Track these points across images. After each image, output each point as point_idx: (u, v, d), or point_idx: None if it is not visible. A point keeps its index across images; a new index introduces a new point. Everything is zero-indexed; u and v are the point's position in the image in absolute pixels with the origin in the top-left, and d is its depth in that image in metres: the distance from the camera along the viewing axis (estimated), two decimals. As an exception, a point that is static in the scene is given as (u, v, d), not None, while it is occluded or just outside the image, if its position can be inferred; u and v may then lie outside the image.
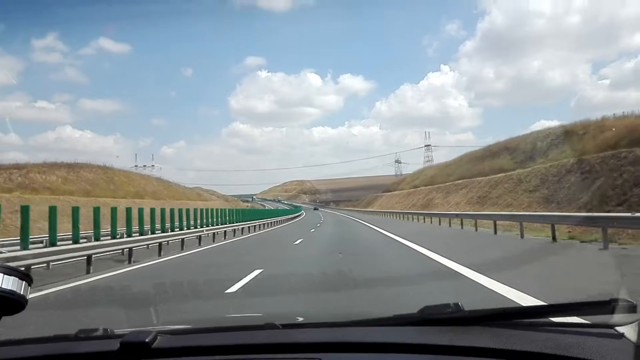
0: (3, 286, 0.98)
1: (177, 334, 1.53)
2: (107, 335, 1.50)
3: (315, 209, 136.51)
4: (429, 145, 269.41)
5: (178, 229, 19.65)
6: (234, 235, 25.63)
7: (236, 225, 27.82)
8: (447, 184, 47.53)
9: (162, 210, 20.00)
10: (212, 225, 23.82)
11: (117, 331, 1.54)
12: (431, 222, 29.95)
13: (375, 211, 63.61)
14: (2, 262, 1.51)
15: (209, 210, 25.10)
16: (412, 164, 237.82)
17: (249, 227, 30.59)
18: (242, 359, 1.34)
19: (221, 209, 28.98)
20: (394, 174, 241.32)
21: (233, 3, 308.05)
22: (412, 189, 64.92)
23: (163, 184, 70.89)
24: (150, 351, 1.32)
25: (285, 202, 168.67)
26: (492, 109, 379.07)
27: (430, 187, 53.91)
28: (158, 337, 1.36)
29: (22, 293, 1.01)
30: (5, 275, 0.99)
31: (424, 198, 50.77)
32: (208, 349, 1.38)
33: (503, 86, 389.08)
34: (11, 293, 0.99)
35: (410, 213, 40.86)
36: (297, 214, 68.14)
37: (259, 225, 34.33)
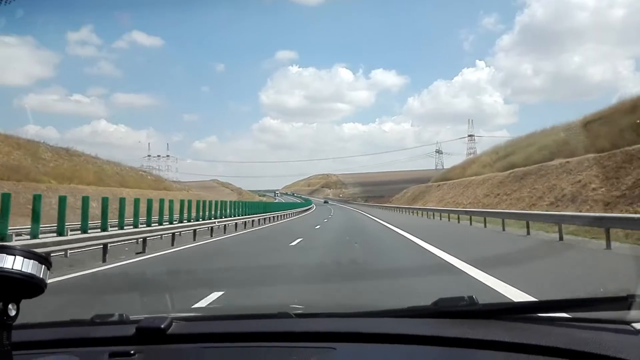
0: (23, 269, 0.97)
1: (192, 321, 1.56)
2: (123, 321, 1.51)
3: (325, 202, 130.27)
4: (472, 136, 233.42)
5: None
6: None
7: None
8: None
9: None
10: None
11: (133, 317, 1.53)
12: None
13: (434, 209, 32.59)
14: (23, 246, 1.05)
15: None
16: (454, 155, 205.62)
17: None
18: (256, 346, 1.33)
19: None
20: (433, 167, 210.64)
21: None
22: (509, 170, 33.02)
23: (83, 162, 41.86)
24: (166, 337, 1.32)
25: (298, 196, 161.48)
26: (529, 106, 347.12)
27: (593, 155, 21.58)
28: (173, 323, 1.36)
29: (41, 277, 1.00)
30: (25, 259, 0.98)
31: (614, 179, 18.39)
32: (222, 335, 1.40)
33: (541, 82, 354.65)
34: (30, 276, 0.98)
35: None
36: (302, 209, 59.97)
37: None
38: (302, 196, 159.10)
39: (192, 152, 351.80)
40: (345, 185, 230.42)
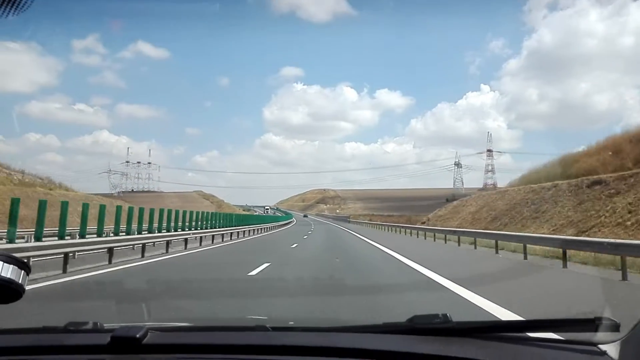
0: (2, 274, 0.96)
1: (168, 331, 1.52)
2: (97, 329, 1.49)
3: (304, 216, 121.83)
4: (490, 151, 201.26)
5: None
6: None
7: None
8: None
9: None
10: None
11: (107, 325, 1.51)
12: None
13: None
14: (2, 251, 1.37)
15: None
16: (472, 171, 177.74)
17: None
18: (232, 359, 1.32)
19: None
20: (442, 186, 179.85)
21: (273, 12, 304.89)
22: None
23: None
24: (141, 347, 1.29)
25: (281, 210, 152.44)
26: (533, 132, 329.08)
27: None
28: (149, 333, 1.33)
29: (20, 282, 0.99)
30: (5, 264, 0.97)
31: None
32: (198, 347, 1.37)
33: (546, 108, 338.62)
34: (10, 282, 0.97)
35: None
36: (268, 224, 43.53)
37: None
38: (281, 209, 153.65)
39: (192, 165, 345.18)
40: (344, 201, 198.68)
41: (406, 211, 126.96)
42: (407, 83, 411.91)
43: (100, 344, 1.30)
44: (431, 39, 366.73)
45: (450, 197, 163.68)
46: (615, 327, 1.28)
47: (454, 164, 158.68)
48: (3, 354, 1.31)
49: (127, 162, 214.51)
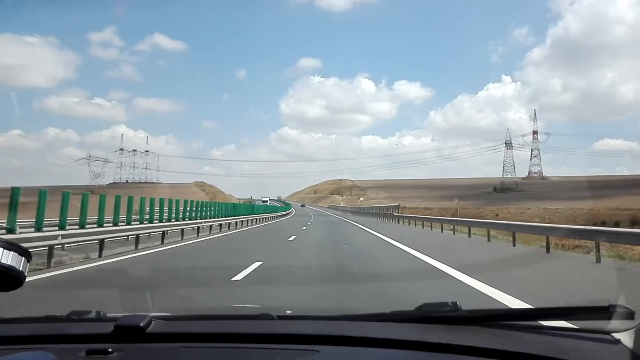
0: (3, 261, 0.94)
1: (171, 320, 1.52)
2: (100, 318, 1.48)
3: (302, 205, 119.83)
4: (536, 132, 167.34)
5: None
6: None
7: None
8: None
9: None
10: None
11: (110, 314, 1.50)
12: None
13: None
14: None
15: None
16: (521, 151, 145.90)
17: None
18: (237, 347, 1.30)
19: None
20: (499, 175, 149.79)
21: (291, 1, 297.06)
22: None
23: None
24: (145, 335, 1.29)
25: (282, 201, 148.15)
26: (556, 124, 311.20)
27: None
28: (153, 322, 1.33)
29: (20, 269, 0.97)
30: (5, 250, 0.95)
31: None
32: (202, 335, 1.37)
33: (570, 99, 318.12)
34: (10, 268, 0.95)
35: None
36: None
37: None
38: (281, 200, 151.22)
39: (210, 156, 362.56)
40: (364, 191, 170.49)
41: (446, 202, 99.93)
42: (426, 74, 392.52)
43: (103, 332, 1.28)
44: (453, 28, 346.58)
45: (498, 187, 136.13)
46: (630, 315, 1.23)
47: (505, 144, 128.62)
48: (4, 343, 1.29)
49: (122, 149, 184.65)
